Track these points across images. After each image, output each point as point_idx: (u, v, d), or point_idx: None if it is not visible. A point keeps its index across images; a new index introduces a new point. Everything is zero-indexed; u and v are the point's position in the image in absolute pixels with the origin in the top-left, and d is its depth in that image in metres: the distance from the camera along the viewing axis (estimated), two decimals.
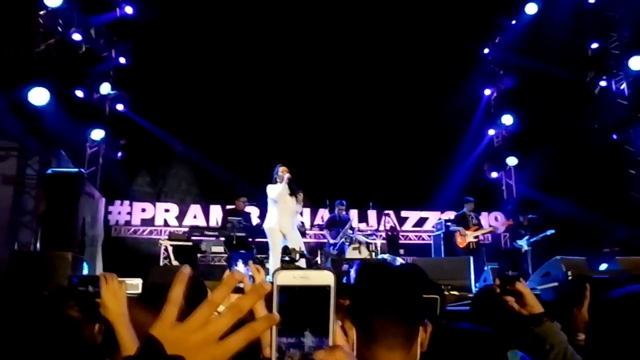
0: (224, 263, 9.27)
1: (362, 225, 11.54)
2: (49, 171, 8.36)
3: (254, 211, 10.64)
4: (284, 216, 7.69)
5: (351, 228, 9.91)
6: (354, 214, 11.46)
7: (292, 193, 7.75)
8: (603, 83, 10.89)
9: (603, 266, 7.47)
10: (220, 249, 9.38)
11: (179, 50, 11.36)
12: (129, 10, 11.16)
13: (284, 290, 0.83)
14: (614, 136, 10.59)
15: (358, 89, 12.04)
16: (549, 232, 9.78)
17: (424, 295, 1.79)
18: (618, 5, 10.69)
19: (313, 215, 12.14)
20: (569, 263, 6.27)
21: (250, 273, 2.09)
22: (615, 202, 10.92)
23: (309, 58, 11.72)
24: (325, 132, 11.90)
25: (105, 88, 10.74)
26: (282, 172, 7.77)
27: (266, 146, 11.64)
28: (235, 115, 11.68)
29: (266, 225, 7.92)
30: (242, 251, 8.67)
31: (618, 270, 6.35)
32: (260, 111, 11.77)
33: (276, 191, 7.65)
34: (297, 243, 7.71)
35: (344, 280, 6.01)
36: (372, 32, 11.75)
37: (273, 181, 7.85)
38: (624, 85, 10.85)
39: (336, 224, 9.85)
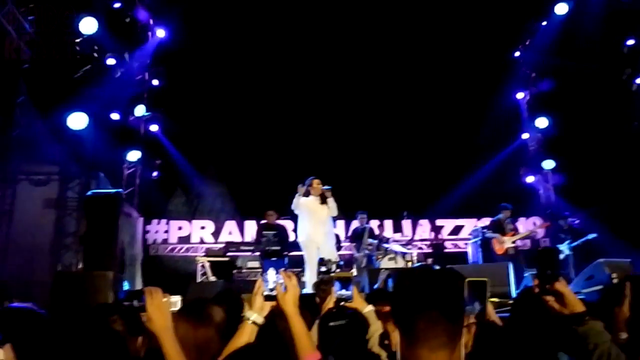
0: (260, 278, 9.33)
1: (397, 236, 11.43)
2: (89, 193, 8.57)
3: (288, 225, 10.68)
4: (316, 227, 7.65)
5: (382, 240, 9.84)
6: (388, 224, 11.39)
7: (323, 201, 7.69)
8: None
9: None
10: (256, 263, 9.42)
11: (210, 70, 11.59)
12: (161, 33, 11.46)
13: None
14: None
15: (391, 100, 12.07)
16: (590, 237, 9.52)
17: (472, 279, 1.78)
18: None
19: (347, 226, 12.09)
20: (613, 265, 6.09)
21: (282, 281, 2.11)
22: None
23: (340, 71, 11.81)
24: (357, 143, 11.93)
25: (140, 110, 11.02)
26: (316, 185, 7.70)
27: (299, 159, 11.72)
28: (266, 131, 11.81)
29: (300, 238, 7.92)
30: (274, 259, 8.72)
31: None
32: (292, 126, 11.86)
33: (304, 203, 7.58)
34: (332, 253, 7.60)
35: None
36: (403, 41, 11.75)
37: (305, 193, 7.76)
38: None
39: (359, 236, 9.83)
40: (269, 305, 2.14)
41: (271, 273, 7.61)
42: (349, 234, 10.97)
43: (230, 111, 11.77)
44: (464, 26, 11.51)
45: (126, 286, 8.42)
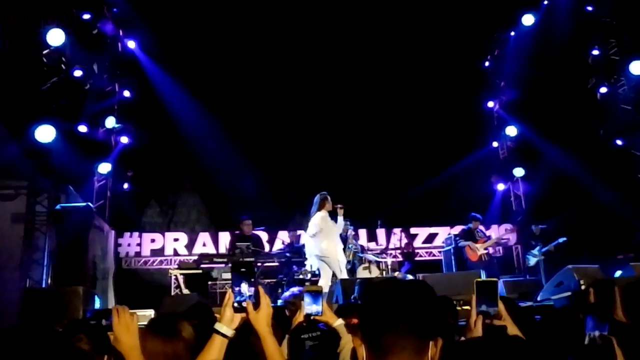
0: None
1: (372, 245, 11.49)
2: (58, 207, 8.41)
3: (262, 236, 10.66)
4: (330, 241, 7.82)
5: (361, 248, 9.90)
6: (362, 233, 11.43)
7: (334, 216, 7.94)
8: (604, 89, 10.89)
9: (618, 273, 7.38)
10: (230, 275, 9.35)
11: (180, 80, 11.52)
12: (131, 44, 11.37)
13: None
14: (619, 142, 10.55)
15: (364, 110, 12.14)
16: (561, 240, 9.72)
17: (480, 279, 1.80)
18: (616, 12, 10.74)
19: None
20: (581, 271, 6.22)
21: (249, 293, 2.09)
22: (627, 208, 10.82)
23: (311, 80, 11.86)
24: (331, 152, 11.97)
25: (110, 122, 10.87)
26: (329, 203, 7.96)
27: (273, 170, 11.74)
28: (241, 141, 11.78)
29: (317, 252, 7.93)
30: (243, 269, 8.65)
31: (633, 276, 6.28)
32: (265, 136, 11.88)
33: (325, 218, 7.77)
34: (342, 265, 7.79)
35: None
36: (375, 53, 11.87)
37: (317, 209, 7.94)
38: (625, 90, 10.84)
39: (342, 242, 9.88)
40: (239, 317, 2.11)
41: (244, 286, 7.54)
42: None
43: (203, 121, 11.71)
44: (434, 37, 11.67)
45: (98, 301, 8.26)
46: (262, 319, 2.09)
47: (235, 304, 2.08)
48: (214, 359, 2.05)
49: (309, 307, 2.16)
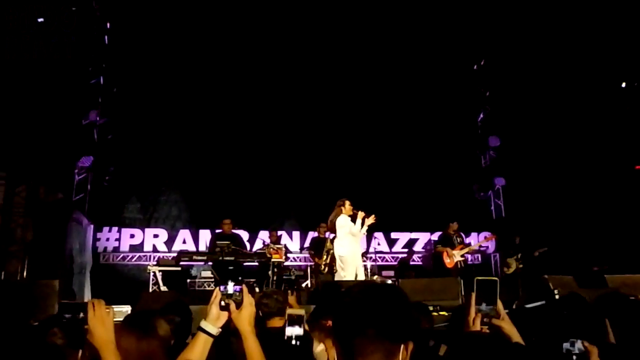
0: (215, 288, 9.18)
1: None
2: (36, 199, 8.31)
3: (243, 235, 10.65)
4: (354, 244, 7.84)
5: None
6: None
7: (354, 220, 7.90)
8: None
9: None
10: (210, 273, 9.31)
11: (165, 75, 11.45)
12: (115, 38, 11.28)
13: None
14: None
15: (344, 114, 12.15)
16: (540, 250, 9.84)
17: (481, 278, 1.83)
18: None
19: (303, 238, 12.14)
20: (556, 281, 6.31)
21: (231, 292, 2.09)
22: (605, 220, 11.04)
23: (290, 82, 11.90)
24: (312, 155, 11.99)
25: (93, 115, 10.77)
26: (349, 207, 7.97)
27: (256, 171, 11.72)
28: (225, 140, 11.75)
29: (341, 253, 7.93)
30: (231, 268, 8.65)
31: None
32: (250, 137, 11.85)
33: (355, 227, 7.78)
34: (361, 267, 7.85)
35: None
36: (356, 52, 11.86)
37: (339, 213, 7.96)
38: None
39: (320, 245, 9.91)
40: (225, 315, 2.10)
41: (230, 285, 7.54)
42: (308, 244, 11.17)
43: (187, 119, 11.67)
44: (420, 46, 11.77)
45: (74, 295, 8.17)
46: (244, 318, 2.09)
47: (222, 303, 2.08)
48: (197, 358, 2.04)
49: (290, 329, 2.15)
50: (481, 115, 13.50)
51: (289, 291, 5.59)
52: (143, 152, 11.53)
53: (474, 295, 1.94)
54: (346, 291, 1.51)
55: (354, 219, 7.91)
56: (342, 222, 7.88)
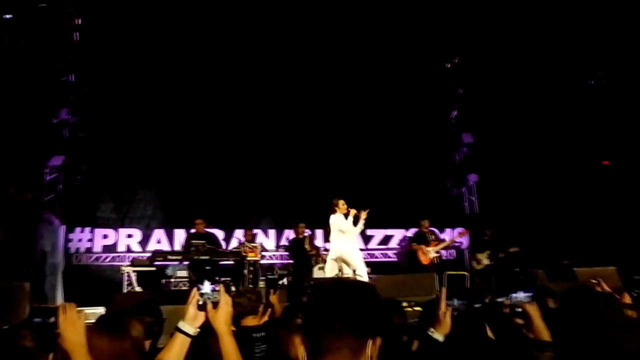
0: (190, 287, 9.15)
1: (328, 245, 11.54)
2: (5, 199, 8.15)
3: (218, 234, 10.61)
4: (347, 241, 7.87)
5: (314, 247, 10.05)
6: (319, 234, 11.49)
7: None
8: None
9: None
10: (185, 272, 9.26)
11: (138, 73, 11.29)
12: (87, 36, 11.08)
13: None
14: None
15: (319, 111, 12.15)
16: (511, 249, 9.99)
17: (451, 272, 1.86)
18: None
19: (278, 236, 12.13)
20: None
21: (209, 291, 2.11)
22: (574, 214, 11.29)
23: (262, 78, 11.81)
24: (288, 155, 11.99)
25: (64, 113, 10.59)
26: (342, 206, 8.02)
27: (231, 169, 11.66)
28: (199, 139, 11.67)
29: (341, 251, 7.92)
30: (208, 267, 8.62)
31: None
32: (225, 134, 11.78)
33: (344, 224, 7.86)
34: (361, 262, 7.84)
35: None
36: (328, 48, 11.84)
37: (334, 212, 8.00)
38: None
39: (297, 244, 9.93)
40: (202, 316, 2.10)
41: (206, 285, 7.56)
42: (284, 243, 11.26)
43: (161, 117, 11.53)
44: (393, 44, 11.83)
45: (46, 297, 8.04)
46: (221, 318, 2.09)
47: (200, 302, 2.07)
48: (175, 359, 2.03)
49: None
50: (454, 113, 13.65)
51: (271, 290, 5.60)
52: (116, 150, 11.37)
53: (444, 289, 1.98)
54: (315, 287, 1.53)
55: (351, 217, 7.96)
56: (333, 220, 7.95)
